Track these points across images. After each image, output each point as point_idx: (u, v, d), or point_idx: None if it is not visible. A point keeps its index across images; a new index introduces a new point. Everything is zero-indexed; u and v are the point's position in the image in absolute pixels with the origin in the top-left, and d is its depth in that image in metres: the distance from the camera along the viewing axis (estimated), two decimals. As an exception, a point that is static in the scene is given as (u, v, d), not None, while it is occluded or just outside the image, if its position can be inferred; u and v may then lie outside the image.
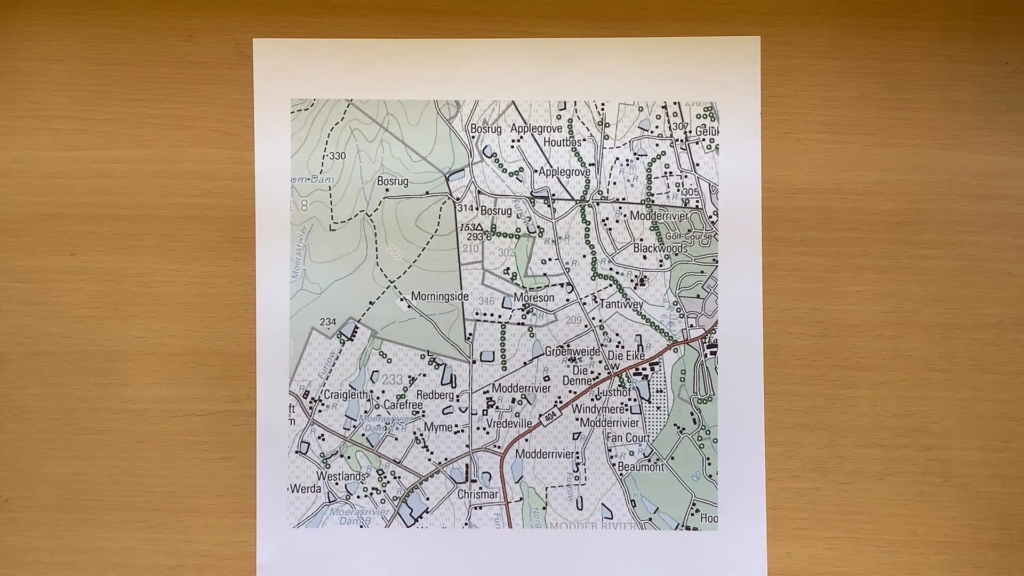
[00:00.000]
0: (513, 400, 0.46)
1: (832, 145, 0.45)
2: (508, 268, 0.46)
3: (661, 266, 0.46)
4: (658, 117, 0.46)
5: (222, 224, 0.46)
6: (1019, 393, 0.45)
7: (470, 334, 0.46)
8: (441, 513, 0.46)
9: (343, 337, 0.46)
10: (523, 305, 0.46)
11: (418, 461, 0.46)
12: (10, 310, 0.46)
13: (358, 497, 0.46)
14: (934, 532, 0.45)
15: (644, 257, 0.46)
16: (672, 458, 0.46)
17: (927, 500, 0.45)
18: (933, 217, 0.45)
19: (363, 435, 0.46)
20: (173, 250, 0.46)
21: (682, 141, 0.46)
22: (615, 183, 0.46)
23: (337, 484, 0.46)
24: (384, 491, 0.46)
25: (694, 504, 0.46)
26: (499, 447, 0.46)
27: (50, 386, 0.46)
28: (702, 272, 0.46)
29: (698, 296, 0.46)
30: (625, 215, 0.46)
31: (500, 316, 0.46)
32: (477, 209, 0.46)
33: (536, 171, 0.46)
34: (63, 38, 0.46)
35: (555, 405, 0.46)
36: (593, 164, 0.46)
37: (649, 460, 0.46)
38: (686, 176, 0.46)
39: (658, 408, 0.46)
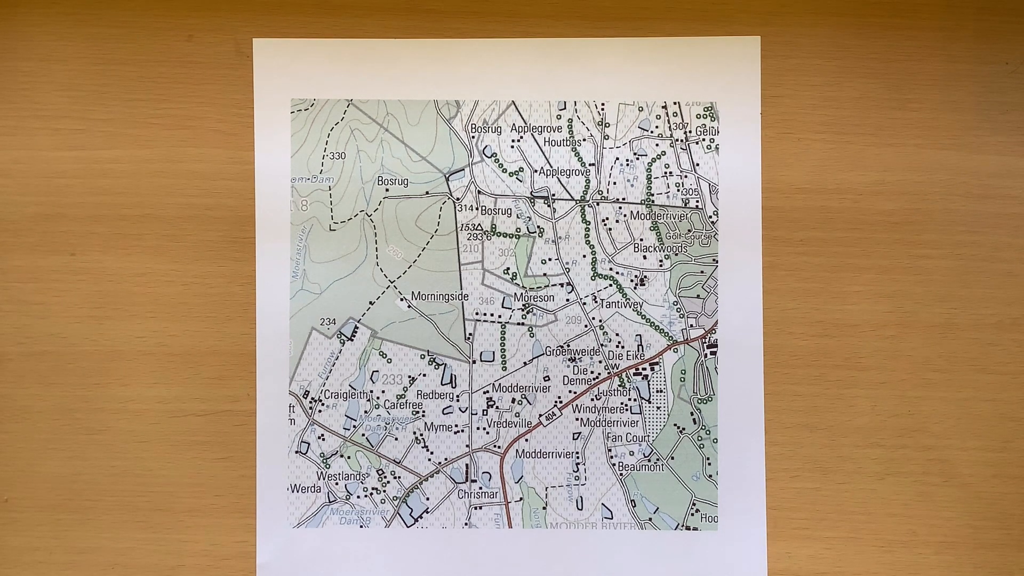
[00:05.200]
0: (513, 400, 0.46)
1: (832, 145, 0.45)
2: (508, 268, 0.46)
3: (661, 266, 0.46)
4: (658, 117, 0.46)
5: (222, 224, 0.46)
6: (1019, 393, 0.45)
7: (470, 334, 0.46)
8: (441, 513, 0.46)
9: (343, 337, 0.46)
10: (523, 305, 0.46)
11: (418, 461, 0.46)
12: (10, 310, 0.46)
13: (358, 497, 0.46)
14: (934, 532, 0.45)
15: (644, 257, 0.46)
16: (672, 458, 0.46)
17: (927, 500, 0.45)
18: (933, 217, 0.45)
19: (363, 435, 0.46)
20: (173, 250, 0.46)
21: (682, 141, 0.46)
22: (615, 183, 0.46)
23: (337, 484, 0.46)
24: (384, 491, 0.46)
25: (694, 504, 0.46)
26: (499, 447, 0.46)
27: (50, 386, 0.46)
28: (702, 272, 0.46)
29: (698, 296, 0.46)
30: (625, 215, 0.46)
31: (500, 316, 0.46)
32: (477, 209, 0.46)
33: (536, 171, 0.46)
34: (63, 38, 0.46)
35: (555, 405, 0.46)
36: (593, 164, 0.46)
37: (649, 460, 0.46)
38: (686, 176, 0.46)
39: (658, 408, 0.46)
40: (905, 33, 0.45)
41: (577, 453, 0.46)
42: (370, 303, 0.46)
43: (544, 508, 0.46)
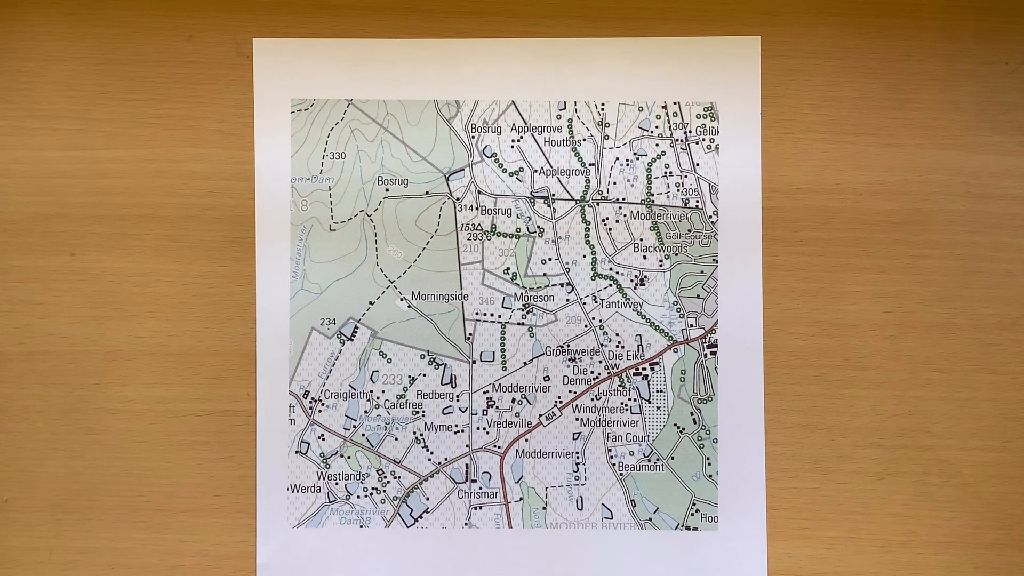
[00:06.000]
0: (513, 400, 0.46)
1: (832, 145, 0.45)
2: (508, 268, 0.46)
3: (661, 266, 0.46)
4: (658, 117, 0.46)
5: (222, 224, 0.46)
6: (1019, 393, 0.45)
7: (470, 334, 0.46)
8: (441, 513, 0.46)
9: (343, 337, 0.46)
10: (523, 305, 0.46)
11: (418, 461, 0.46)
12: (10, 310, 0.46)
13: (358, 497, 0.46)
14: (934, 532, 0.45)
15: (644, 257, 0.46)
16: (672, 458, 0.46)
17: (927, 500, 0.45)
18: (933, 217, 0.45)
19: (363, 435, 0.46)
20: (173, 250, 0.46)
21: (682, 141, 0.46)
22: (615, 183, 0.46)
23: (337, 484, 0.46)
24: (384, 491, 0.46)
25: (694, 504, 0.46)
26: (499, 447, 0.46)
27: (50, 386, 0.46)
28: (702, 272, 0.46)
29: (698, 296, 0.46)
30: (625, 215, 0.46)
31: (500, 316, 0.46)
32: (477, 209, 0.46)
33: (536, 171, 0.46)
34: (63, 38, 0.46)
35: (555, 405, 0.46)
36: (593, 164, 0.46)
37: (649, 460, 0.46)
38: (686, 176, 0.46)
39: (658, 408, 0.46)
40: (905, 33, 0.45)
41: (577, 453, 0.46)
42: (370, 303, 0.46)
43: (544, 508, 0.46)
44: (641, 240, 0.46)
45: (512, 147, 0.46)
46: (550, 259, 0.46)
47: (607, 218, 0.46)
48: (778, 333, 0.45)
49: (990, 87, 0.45)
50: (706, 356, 0.46)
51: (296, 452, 0.46)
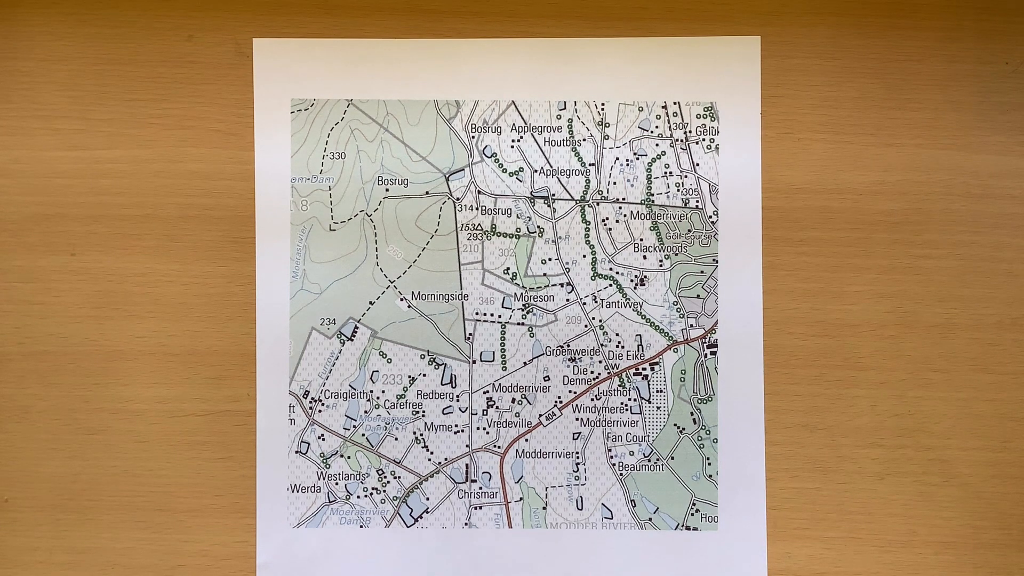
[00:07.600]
0: (513, 400, 0.46)
1: (832, 145, 0.45)
2: (508, 268, 0.46)
3: (661, 266, 0.46)
4: (658, 117, 0.46)
5: (222, 224, 0.46)
6: (1019, 393, 0.45)
7: (470, 334, 0.46)
8: (441, 513, 0.46)
9: (343, 337, 0.46)
10: (523, 305, 0.46)
11: (418, 461, 0.46)
12: (10, 310, 0.46)
13: (358, 497, 0.46)
14: (934, 532, 0.45)
15: (644, 257, 0.46)
16: (672, 458, 0.46)
17: (927, 500, 0.45)
18: (933, 217, 0.45)
19: (363, 435, 0.46)
20: (173, 250, 0.46)
21: (682, 141, 0.46)
22: (615, 183, 0.46)
23: (337, 484, 0.46)
24: (384, 491, 0.46)
25: (694, 504, 0.46)
26: (499, 447, 0.46)
27: (50, 386, 0.46)
28: (702, 272, 0.46)
29: (698, 296, 0.46)
30: (625, 215, 0.46)
31: (500, 316, 0.46)
32: (477, 209, 0.46)
33: (536, 171, 0.46)
34: (63, 38, 0.46)
35: (555, 405, 0.46)
36: (593, 164, 0.46)
37: (649, 460, 0.46)
38: (686, 176, 0.46)
39: (658, 408, 0.46)
40: (905, 33, 0.45)
41: (577, 453, 0.46)
42: (370, 303, 0.46)
43: (544, 508, 0.46)
44: (641, 240, 0.46)
45: (512, 147, 0.46)
46: (550, 259, 0.46)
47: (607, 218, 0.46)
48: (778, 333, 0.45)
49: (990, 87, 0.45)
50: (706, 356, 0.46)
51: (296, 452, 0.46)
